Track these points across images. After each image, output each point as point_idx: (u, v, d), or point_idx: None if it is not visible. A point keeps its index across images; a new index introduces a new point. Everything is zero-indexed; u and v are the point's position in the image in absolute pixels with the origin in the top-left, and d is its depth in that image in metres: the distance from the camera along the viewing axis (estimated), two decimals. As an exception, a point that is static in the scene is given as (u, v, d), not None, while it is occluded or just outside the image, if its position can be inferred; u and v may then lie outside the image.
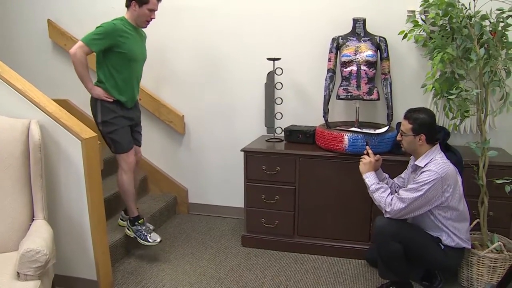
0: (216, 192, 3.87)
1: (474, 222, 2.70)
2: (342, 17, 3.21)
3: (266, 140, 3.37)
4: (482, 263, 2.54)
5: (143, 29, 2.96)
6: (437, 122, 2.61)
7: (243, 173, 3.19)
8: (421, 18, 2.86)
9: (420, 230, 2.52)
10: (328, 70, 3.14)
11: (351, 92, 3.03)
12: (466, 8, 2.54)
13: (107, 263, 2.69)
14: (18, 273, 1.96)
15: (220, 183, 3.84)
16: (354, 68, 3.02)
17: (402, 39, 2.78)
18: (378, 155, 2.71)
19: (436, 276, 2.66)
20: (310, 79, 3.42)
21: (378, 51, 3.08)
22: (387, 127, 3.00)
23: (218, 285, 2.75)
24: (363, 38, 3.08)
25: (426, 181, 2.35)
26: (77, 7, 3.83)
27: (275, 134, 3.41)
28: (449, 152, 2.64)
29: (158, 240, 2.98)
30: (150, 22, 2.87)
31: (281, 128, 3.38)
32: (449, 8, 2.52)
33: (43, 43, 3.99)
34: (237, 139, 3.63)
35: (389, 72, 3.07)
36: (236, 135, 3.67)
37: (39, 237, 2.07)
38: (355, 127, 3.03)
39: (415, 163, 2.51)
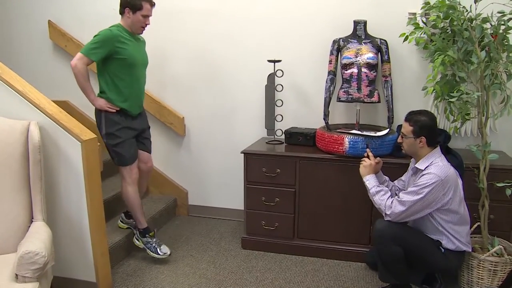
0: (216, 194, 3.87)
1: (475, 226, 2.70)
2: (343, 19, 3.20)
3: (266, 142, 3.37)
4: (483, 266, 2.53)
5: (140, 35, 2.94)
6: (438, 124, 2.60)
7: (243, 175, 3.19)
8: (422, 20, 2.86)
9: (420, 233, 2.51)
10: (329, 73, 3.14)
11: (352, 95, 3.03)
12: (467, 10, 2.54)
13: (107, 265, 2.68)
14: (16, 275, 1.95)
15: (220, 185, 3.83)
16: (355, 70, 3.01)
17: (403, 41, 2.78)
18: (378, 158, 2.70)
19: (437, 280, 2.65)
20: (310, 81, 3.42)
21: (379, 53, 3.08)
22: (388, 129, 3.00)
23: (217, 287, 2.74)
24: (364, 41, 3.07)
25: (427, 184, 2.34)
26: (77, 8, 3.83)
27: (276, 136, 3.41)
28: (450, 155, 2.64)
29: (168, 253, 3.01)
30: (146, 28, 2.85)
31: (282, 130, 3.38)
32: (450, 11, 2.51)
33: (43, 44, 3.99)
34: (237, 141, 3.63)
35: (390, 74, 3.07)
36: (237, 137, 3.66)
37: (38, 239, 2.06)
38: (356, 130, 3.03)
39: (416, 165, 2.50)
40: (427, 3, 2.66)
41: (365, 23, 3.09)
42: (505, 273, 2.48)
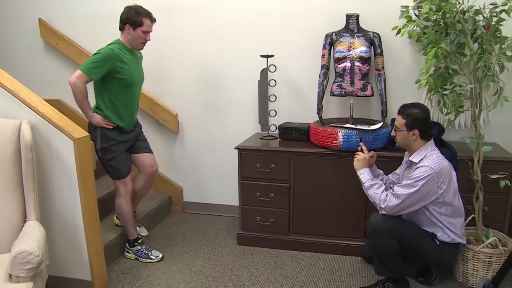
0: (210, 190, 3.86)
1: (469, 218, 2.71)
2: (335, 13, 3.20)
3: (260, 138, 3.36)
4: (478, 258, 2.54)
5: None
6: (431, 117, 2.61)
7: (237, 171, 3.18)
8: (414, 13, 2.85)
9: (415, 226, 2.52)
10: (322, 67, 3.13)
11: (345, 89, 3.02)
12: (459, 3, 2.54)
13: (102, 263, 2.67)
14: (10, 275, 1.93)
15: (214, 181, 3.82)
16: (347, 64, 3.00)
17: (396, 34, 2.77)
18: (372, 151, 2.70)
19: (432, 272, 2.66)
20: (303, 75, 3.41)
21: (372, 47, 3.07)
22: (382, 123, 3.00)
23: (213, 283, 2.74)
24: (356, 34, 3.06)
25: (421, 177, 2.34)
26: (68, 6, 3.79)
27: (269, 132, 3.40)
28: (444, 147, 2.64)
29: (160, 256, 3.04)
30: (146, 44, 2.82)
31: (275, 126, 3.37)
32: (443, 3, 2.51)
33: (34, 43, 3.95)
34: (231, 137, 3.62)
35: (383, 68, 3.06)
36: (230, 133, 3.65)
37: (31, 238, 2.04)
38: (349, 124, 3.03)
39: (410, 159, 2.51)
40: (419, -4, 2.66)
41: (357, 16, 3.08)
42: (500, 264, 2.48)
